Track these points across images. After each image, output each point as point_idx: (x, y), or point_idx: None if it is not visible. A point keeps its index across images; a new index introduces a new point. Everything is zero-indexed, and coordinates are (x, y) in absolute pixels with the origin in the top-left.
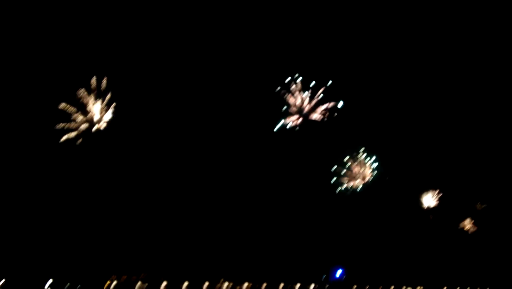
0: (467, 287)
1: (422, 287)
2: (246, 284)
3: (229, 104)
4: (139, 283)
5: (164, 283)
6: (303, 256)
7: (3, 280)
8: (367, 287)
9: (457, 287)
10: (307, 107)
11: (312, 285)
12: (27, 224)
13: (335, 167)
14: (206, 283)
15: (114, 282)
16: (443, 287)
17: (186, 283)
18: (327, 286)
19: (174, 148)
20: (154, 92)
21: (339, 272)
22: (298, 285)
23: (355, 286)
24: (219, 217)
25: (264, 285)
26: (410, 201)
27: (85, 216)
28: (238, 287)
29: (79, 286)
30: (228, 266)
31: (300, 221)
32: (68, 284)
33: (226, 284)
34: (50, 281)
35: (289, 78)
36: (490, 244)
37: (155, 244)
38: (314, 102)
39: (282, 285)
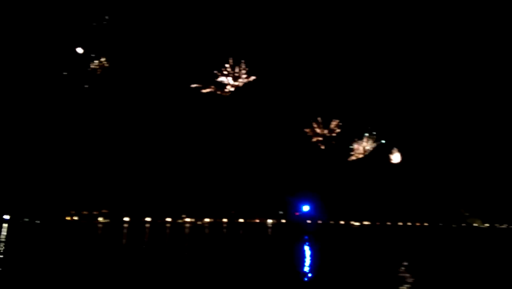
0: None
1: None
2: (207, 220)
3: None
4: (100, 218)
5: (127, 218)
6: (262, 192)
7: None
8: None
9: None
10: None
11: (270, 220)
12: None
13: None
14: (168, 219)
15: (75, 217)
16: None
17: (148, 218)
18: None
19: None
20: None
21: (306, 208)
22: (256, 219)
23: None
24: (179, 154)
25: (225, 220)
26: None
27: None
28: (199, 222)
29: (37, 221)
30: (189, 203)
31: (258, 158)
32: (27, 219)
33: (187, 219)
34: (7, 216)
35: None
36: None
37: (116, 181)
38: None
39: (241, 220)
